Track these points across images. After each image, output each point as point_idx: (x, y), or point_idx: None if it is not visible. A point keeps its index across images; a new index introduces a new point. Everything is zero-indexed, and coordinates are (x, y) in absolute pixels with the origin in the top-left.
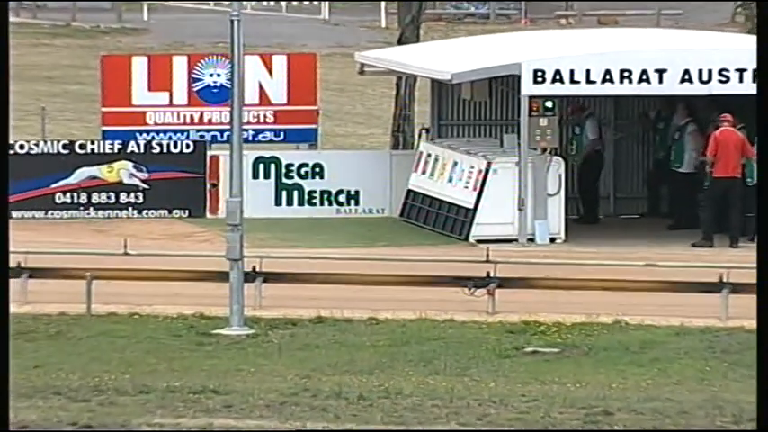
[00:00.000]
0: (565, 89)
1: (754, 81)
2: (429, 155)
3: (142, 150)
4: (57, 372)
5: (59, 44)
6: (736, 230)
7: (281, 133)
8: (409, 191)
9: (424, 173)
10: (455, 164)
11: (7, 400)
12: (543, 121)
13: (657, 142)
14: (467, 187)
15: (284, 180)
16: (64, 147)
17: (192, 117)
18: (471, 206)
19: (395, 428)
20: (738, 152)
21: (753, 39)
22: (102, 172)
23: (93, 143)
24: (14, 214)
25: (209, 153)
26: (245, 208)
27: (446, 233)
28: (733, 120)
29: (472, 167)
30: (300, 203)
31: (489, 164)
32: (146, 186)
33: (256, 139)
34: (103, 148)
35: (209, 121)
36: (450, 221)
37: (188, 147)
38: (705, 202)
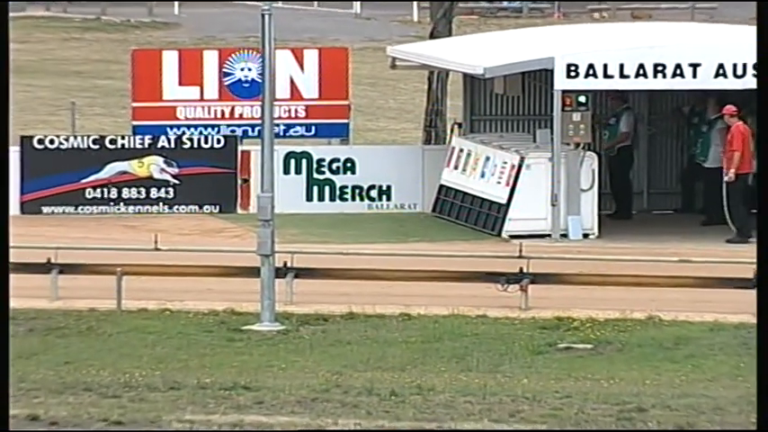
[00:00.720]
0: (598, 83)
1: None
2: (461, 150)
3: (173, 145)
4: (87, 368)
5: (90, 38)
6: None
7: (313, 128)
8: (441, 186)
9: (456, 168)
10: (487, 159)
11: (7, 399)
12: (576, 116)
13: (691, 137)
14: (499, 182)
15: (315, 175)
16: (94, 142)
17: (222, 112)
18: (504, 201)
19: (427, 425)
20: (751, 147)
21: None
22: (133, 167)
23: (123, 138)
24: (44, 209)
25: (240, 148)
26: (277, 203)
27: (479, 228)
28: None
29: (505, 162)
30: (332, 199)
31: (522, 159)
32: (176, 181)
33: (288, 134)
34: (134, 143)
35: (240, 116)
36: (483, 217)
37: (219, 142)
38: (732, 199)
